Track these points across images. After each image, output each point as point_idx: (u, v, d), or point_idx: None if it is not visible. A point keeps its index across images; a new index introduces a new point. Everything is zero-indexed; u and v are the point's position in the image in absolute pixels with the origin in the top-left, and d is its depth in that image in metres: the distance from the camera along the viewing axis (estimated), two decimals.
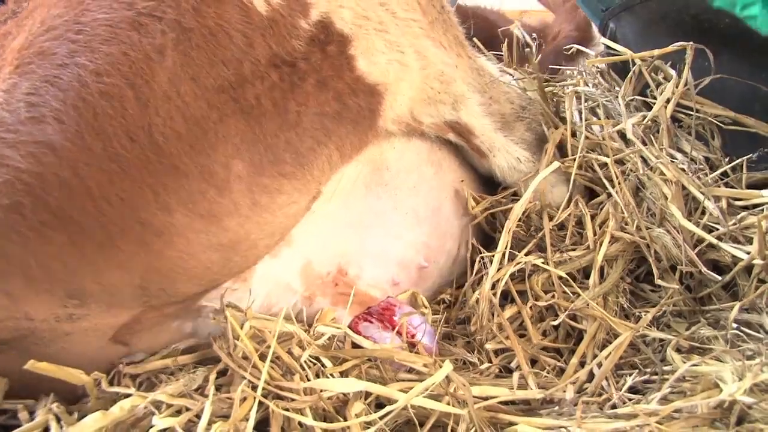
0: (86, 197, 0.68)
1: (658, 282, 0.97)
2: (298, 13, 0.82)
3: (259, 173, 0.78)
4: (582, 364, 0.88)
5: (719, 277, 0.93)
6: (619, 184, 1.02)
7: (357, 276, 0.96)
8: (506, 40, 1.30)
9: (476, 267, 1.03)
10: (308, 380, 0.76)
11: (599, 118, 1.15)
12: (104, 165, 0.69)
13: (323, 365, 0.80)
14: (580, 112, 1.13)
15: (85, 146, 0.68)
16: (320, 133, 0.82)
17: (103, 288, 0.71)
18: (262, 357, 0.77)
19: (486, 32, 1.38)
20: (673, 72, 1.10)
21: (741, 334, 0.86)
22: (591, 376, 0.86)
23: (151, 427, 0.69)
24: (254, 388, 0.74)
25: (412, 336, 0.90)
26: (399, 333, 0.90)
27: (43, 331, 0.72)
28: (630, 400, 0.80)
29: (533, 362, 0.92)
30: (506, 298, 0.99)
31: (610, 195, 1.03)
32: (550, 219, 1.04)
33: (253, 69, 0.77)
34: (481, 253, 1.03)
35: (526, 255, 0.99)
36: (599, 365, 0.86)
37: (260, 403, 0.73)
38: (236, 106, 0.76)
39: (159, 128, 0.71)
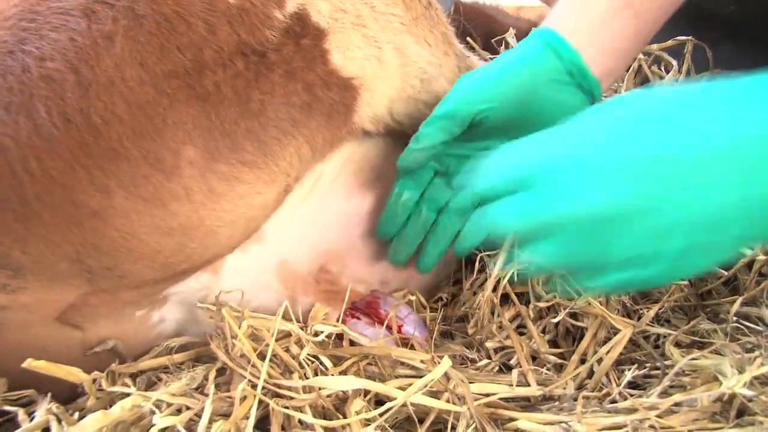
0: (5, 169, 0.63)
1: None
2: (272, 4, 0.75)
3: (214, 160, 0.71)
4: (582, 362, 0.81)
5: (726, 272, 0.86)
6: None
7: (341, 274, 0.88)
8: (504, 42, 1.20)
9: (476, 266, 0.93)
10: (307, 378, 0.71)
11: None
12: (32, 141, 0.63)
13: (321, 363, 0.74)
14: None
15: (11, 121, 0.63)
16: (287, 123, 0.75)
17: (34, 259, 0.66)
18: (261, 355, 0.71)
19: (485, 28, 1.28)
20: (674, 62, 1.00)
21: (741, 327, 0.79)
22: (591, 372, 0.79)
23: (152, 426, 0.64)
24: (254, 386, 0.68)
25: (400, 327, 0.82)
26: (389, 327, 0.82)
27: None
28: (630, 395, 0.73)
29: (533, 359, 0.85)
30: (506, 297, 0.91)
31: None
32: None
33: (215, 56, 0.71)
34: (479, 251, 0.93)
35: None
36: (599, 361, 0.79)
37: (260, 401, 0.67)
38: (191, 93, 0.70)
39: (99, 112, 0.65)
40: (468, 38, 1.15)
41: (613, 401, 0.72)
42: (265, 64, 0.74)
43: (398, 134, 0.88)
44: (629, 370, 0.77)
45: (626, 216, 0.48)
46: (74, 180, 0.65)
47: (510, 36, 1.16)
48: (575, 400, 0.71)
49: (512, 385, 0.75)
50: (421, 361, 0.75)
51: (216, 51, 0.72)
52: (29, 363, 0.66)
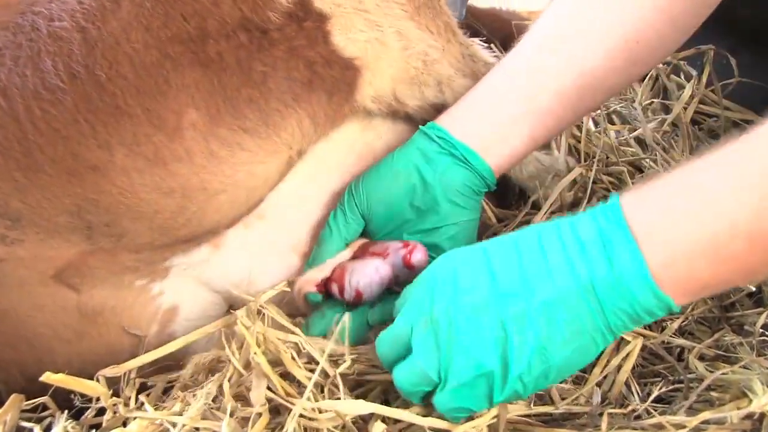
0: (9, 118, 0.64)
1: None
2: None
3: (216, 124, 0.72)
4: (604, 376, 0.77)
5: (752, 288, 0.83)
6: None
7: None
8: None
9: None
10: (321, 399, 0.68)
11: (614, 124, 1.05)
12: (37, 92, 0.65)
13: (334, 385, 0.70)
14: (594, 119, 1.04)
15: (19, 72, 0.65)
16: (288, 96, 0.76)
17: (33, 210, 0.66)
18: (276, 363, 0.70)
19: (501, 32, 1.29)
20: (693, 72, 1.00)
21: None
22: (611, 386, 0.76)
23: None
24: (269, 401, 0.67)
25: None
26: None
27: None
28: (655, 410, 0.69)
29: None
30: None
31: None
32: None
33: (219, 27, 0.72)
34: None
35: None
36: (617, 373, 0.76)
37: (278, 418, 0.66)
38: (194, 58, 0.71)
39: (104, 69, 0.67)
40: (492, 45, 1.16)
41: (638, 417, 0.69)
42: (268, 40, 0.76)
43: (401, 119, 0.90)
44: (652, 383, 0.75)
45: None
46: (77, 133, 0.66)
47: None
48: (600, 415, 0.69)
49: (530, 405, 0.71)
50: None
51: (219, 22, 0.73)
52: (47, 377, 0.65)
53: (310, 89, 0.78)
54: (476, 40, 0.97)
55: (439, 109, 0.89)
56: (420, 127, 0.84)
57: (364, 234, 0.85)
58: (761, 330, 0.77)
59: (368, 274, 0.76)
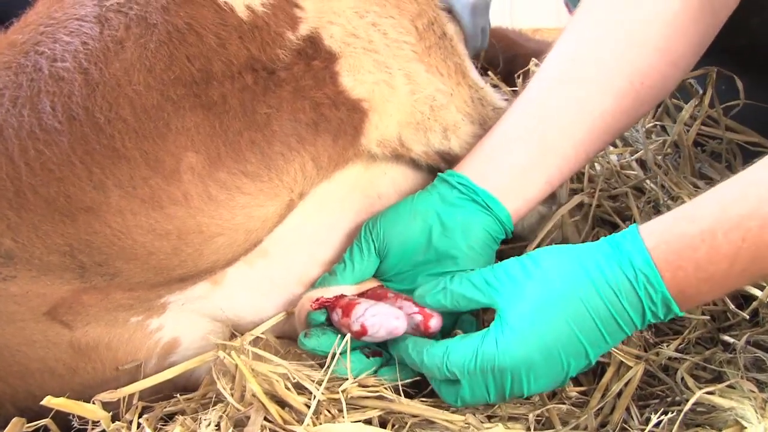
0: (3, 157, 0.64)
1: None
2: (285, 24, 0.75)
3: (216, 168, 0.70)
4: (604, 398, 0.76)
5: (746, 315, 0.80)
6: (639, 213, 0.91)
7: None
8: (521, 76, 1.17)
9: None
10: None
11: (616, 147, 1.03)
12: (34, 134, 0.64)
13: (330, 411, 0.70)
14: None
15: (16, 113, 0.64)
16: (292, 139, 0.74)
17: (25, 248, 0.65)
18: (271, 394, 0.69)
19: (508, 51, 1.26)
20: (700, 90, 0.97)
21: (761, 357, 0.75)
22: (612, 409, 0.74)
23: None
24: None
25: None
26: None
27: None
28: None
29: (553, 395, 0.79)
30: None
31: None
32: None
33: (224, 69, 0.71)
34: None
35: None
36: (617, 396, 0.74)
37: None
38: (196, 101, 0.70)
39: (103, 111, 0.66)
40: (489, 73, 1.13)
41: None
42: (274, 81, 0.74)
43: (405, 161, 0.87)
44: (651, 404, 0.74)
45: None
46: (71, 174, 0.65)
47: (534, 65, 1.13)
48: None
49: (530, 429, 0.71)
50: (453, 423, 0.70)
51: (225, 63, 0.71)
52: (48, 401, 0.65)
53: (316, 132, 0.76)
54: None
55: (443, 155, 0.87)
56: (439, 174, 0.82)
57: (377, 272, 0.83)
58: (757, 350, 0.76)
59: (388, 319, 0.72)
